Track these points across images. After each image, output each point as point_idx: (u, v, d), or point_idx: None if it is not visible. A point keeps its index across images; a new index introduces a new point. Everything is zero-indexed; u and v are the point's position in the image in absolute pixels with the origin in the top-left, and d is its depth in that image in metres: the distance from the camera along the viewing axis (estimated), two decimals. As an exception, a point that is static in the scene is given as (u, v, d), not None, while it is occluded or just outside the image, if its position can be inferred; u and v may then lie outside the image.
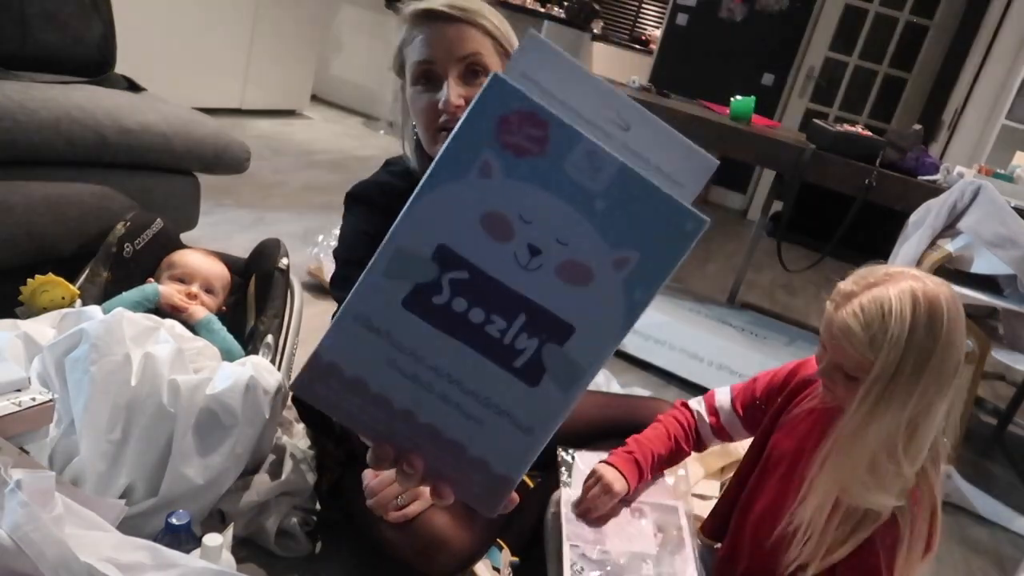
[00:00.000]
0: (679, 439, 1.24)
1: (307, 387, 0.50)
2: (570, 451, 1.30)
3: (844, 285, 0.97)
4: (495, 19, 0.96)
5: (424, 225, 0.46)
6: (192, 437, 1.14)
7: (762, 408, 1.20)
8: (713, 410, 1.26)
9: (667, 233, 0.45)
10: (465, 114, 0.45)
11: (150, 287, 1.41)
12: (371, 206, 1.09)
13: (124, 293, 1.39)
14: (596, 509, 1.14)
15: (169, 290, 1.43)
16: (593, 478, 1.17)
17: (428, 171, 0.46)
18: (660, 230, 0.45)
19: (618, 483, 1.16)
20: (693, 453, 1.30)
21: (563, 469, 1.26)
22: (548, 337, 0.47)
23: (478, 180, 0.45)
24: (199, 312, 1.39)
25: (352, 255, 1.06)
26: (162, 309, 1.45)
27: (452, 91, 0.92)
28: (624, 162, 0.44)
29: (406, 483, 0.53)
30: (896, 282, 0.92)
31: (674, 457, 1.24)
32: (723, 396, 1.26)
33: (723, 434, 1.25)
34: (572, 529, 1.14)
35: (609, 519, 1.15)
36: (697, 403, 1.28)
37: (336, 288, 1.11)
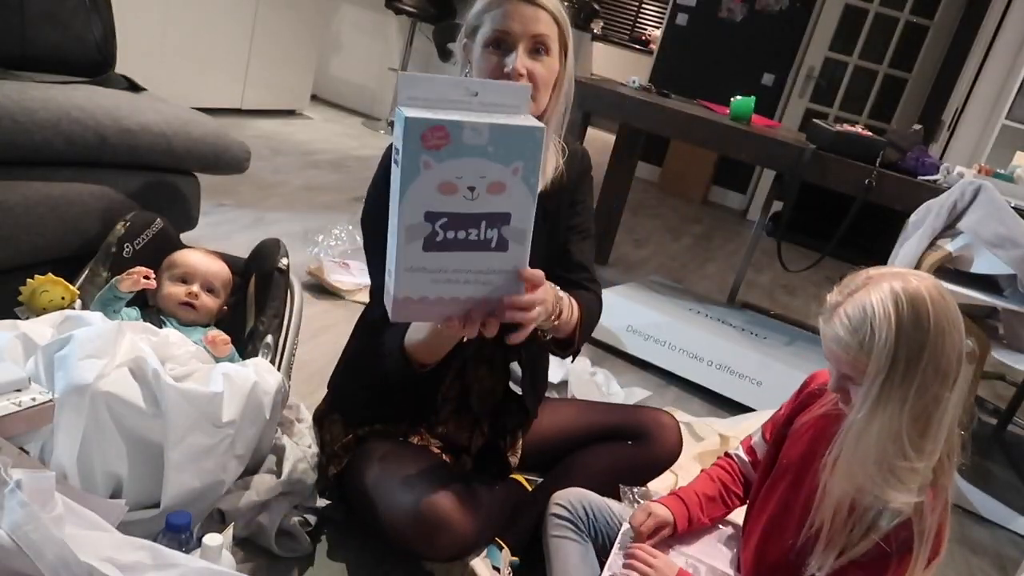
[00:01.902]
0: (723, 480, 1.26)
1: (398, 313, 0.89)
2: (634, 490, 1.31)
3: (830, 297, 0.99)
4: (563, 13, 1.14)
5: (412, 207, 0.82)
6: (190, 439, 1.13)
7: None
8: (749, 449, 1.28)
9: (528, 143, 0.82)
10: (401, 145, 0.79)
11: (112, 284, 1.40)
12: None
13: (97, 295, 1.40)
14: (639, 532, 1.17)
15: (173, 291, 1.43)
16: (641, 509, 1.21)
17: (398, 179, 0.81)
18: (524, 144, 0.82)
19: (660, 509, 1.19)
20: (691, 453, 1.30)
21: (626, 504, 1.29)
22: (500, 224, 0.86)
23: (425, 172, 0.80)
24: (224, 351, 1.37)
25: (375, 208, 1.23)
26: (164, 311, 1.45)
27: (519, 60, 1.10)
28: (491, 122, 0.80)
29: (473, 328, 0.93)
30: (877, 284, 0.94)
31: (724, 499, 1.26)
32: (756, 434, 1.28)
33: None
34: (616, 561, 1.15)
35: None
36: (736, 450, 1.31)
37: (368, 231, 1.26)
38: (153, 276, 1.43)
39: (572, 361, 1.65)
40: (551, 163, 1.22)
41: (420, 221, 0.82)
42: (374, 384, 1.26)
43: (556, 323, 1.13)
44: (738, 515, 1.27)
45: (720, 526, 1.27)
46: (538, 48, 1.11)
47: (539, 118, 1.06)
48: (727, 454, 1.32)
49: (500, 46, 1.11)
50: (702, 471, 1.31)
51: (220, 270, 1.52)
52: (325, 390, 1.44)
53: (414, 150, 0.77)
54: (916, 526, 0.96)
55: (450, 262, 0.85)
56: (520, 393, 1.41)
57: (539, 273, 0.97)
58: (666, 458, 1.40)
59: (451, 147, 0.78)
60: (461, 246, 0.85)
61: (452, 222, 0.83)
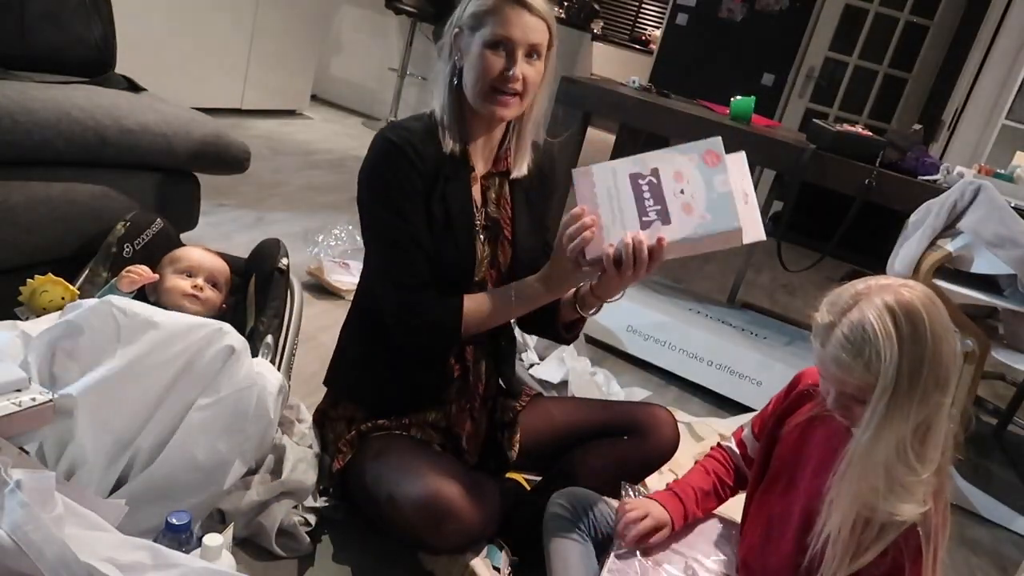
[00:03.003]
0: (718, 473, 1.27)
1: (578, 175, 1.16)
2: (635, 488, 1.31)
3: (820, 317, 0.97)
4: (553, 19, 1.26)
5: (661, 160, 1.13)
6: (204, 417, 1.15)
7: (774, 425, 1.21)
8: (740, 442, 1.29)
9: (723, 223, 1.10)
10: (692, 140, 1.13)
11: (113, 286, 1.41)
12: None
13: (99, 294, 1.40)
14: (631, 531, 1.16)
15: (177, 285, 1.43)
16: (639, 506, 1.20)
17: (681, 142, 1.13)
18: (722, 219, 1.10)
19: (657, 510, 1.19)
20: (691, 454, 1.30)
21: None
22: (660, 220, 1.11)
23: (687, 159, 1.12)
24: None
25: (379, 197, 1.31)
26: (166, 305, 1.45)
27: (519, 67, 1.21)
28: (730, 192, 1.10)
29: (581, 229, 1.12)
30: (868, 300, 0.93)
31: (718, 492, 1.26)
32: (746, 427, 1.29)
33: (752, 462, 1.26)
34: (615, 564, 1.15)
35: (662, 564, 1.16)
36: (729, 441, 1.32)
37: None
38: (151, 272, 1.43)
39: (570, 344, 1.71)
40: (528, 155, 1.34)
41: (648, 168, 1.13)
42: (391, 363, 1.33)
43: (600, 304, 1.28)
44: (735, 514, 1.27)
45: (719, 526, 1.27)
46: (531, 54, 1.23)
47: (524, 115, 1.29)
48: (720, 445, 1.33)
49: (498, 47, 1.21)
50: (696, 463, 1.31)
51: (223, 266, 1.53)
52: (325, 390, 1.44)
53: (697, 153, 1.12)
54: (922, 529, 0.96)
55: (620, 195, 1.13)
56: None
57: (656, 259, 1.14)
58: (663, 452, 1.41)
59: (714, 170, 1.11)
60: (638, 197, 1.12)
61: (653, 188, 1.12)
